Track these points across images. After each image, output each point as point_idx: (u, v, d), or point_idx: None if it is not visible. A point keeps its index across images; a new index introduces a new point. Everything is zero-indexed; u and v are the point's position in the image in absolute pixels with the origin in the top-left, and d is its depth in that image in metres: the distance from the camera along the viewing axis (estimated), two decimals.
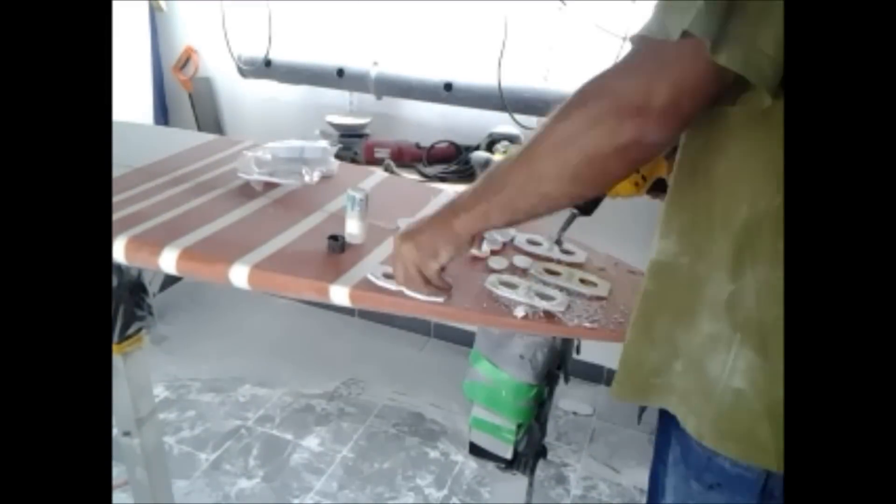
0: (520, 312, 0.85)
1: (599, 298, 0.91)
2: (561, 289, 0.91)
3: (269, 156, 1.19)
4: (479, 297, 0.87)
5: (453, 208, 0.79)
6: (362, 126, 2.15)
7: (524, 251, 1.02)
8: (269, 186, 1.13)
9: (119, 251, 0.94)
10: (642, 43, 0.62)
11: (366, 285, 0.88)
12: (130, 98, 2.41)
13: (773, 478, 0.69)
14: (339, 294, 0.87)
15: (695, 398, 0.71)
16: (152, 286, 1.25)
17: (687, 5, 0.58)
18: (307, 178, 1.14)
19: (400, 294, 0.86)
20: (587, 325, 0.85)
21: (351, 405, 2.16)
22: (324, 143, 1.27)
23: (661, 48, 0.60)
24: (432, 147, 2.08)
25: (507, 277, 0.92)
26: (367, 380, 2.28)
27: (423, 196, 1.17)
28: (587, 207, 0.93)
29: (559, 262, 0.99)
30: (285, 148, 1.24)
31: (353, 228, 0.97)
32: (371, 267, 0.92)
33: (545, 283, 0.92)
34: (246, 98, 2.50)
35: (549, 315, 0.85)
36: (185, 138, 1.39)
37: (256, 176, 1.11)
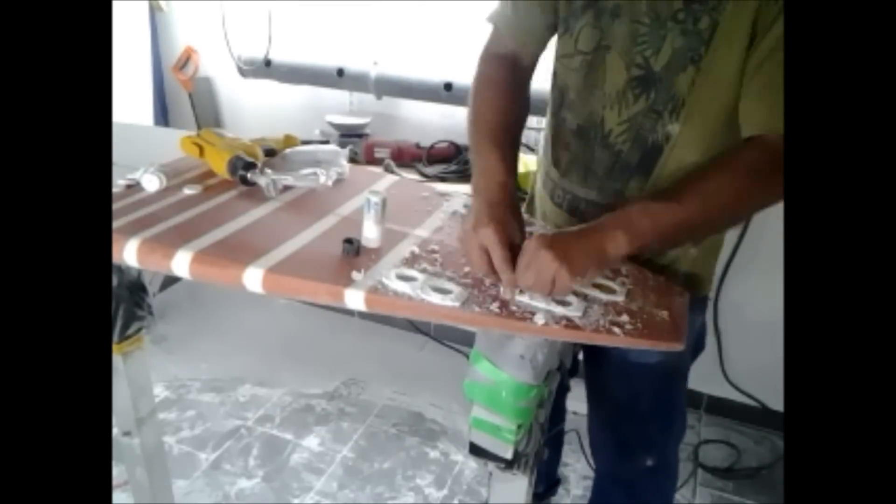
0: (540, 319, 0.84)
1: (616, 303, 0.90)
2: (576, 294, 0.90)
3: (282, 159, 1.20)
4: (497, 303, 0.87)
5: (608, 232, 0.86)
6: (362, 126, 2.15)
7: None
8: (282, 189, 1.13)
9: (131, 254, 0.93)
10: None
11: (382, 289, 0.87)
12: (130, 98, 2.41)
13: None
14: (355, 298, 0.86)
15: None
16: (152, 286, 1.25)
17: None
18: (323, 180, 1.14)
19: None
20: (605, 329, 0.84)
21: (351, 405, 2.17)
22: (335, 147, 1.28)
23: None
24: (432, 147, 2.08)
25: None
26: (367, 380, 2.28)
27: (433, 199, 1.17)
28: None
29: None
30: (298, 151, 1.24)
31: (369, 232, 0.96)
32: (387, 271, 0.91)
33: None
34: (246, 98, 2.50)
35: (568, 320, 0.85)
36: None
37: (273, 178, 1.11)
